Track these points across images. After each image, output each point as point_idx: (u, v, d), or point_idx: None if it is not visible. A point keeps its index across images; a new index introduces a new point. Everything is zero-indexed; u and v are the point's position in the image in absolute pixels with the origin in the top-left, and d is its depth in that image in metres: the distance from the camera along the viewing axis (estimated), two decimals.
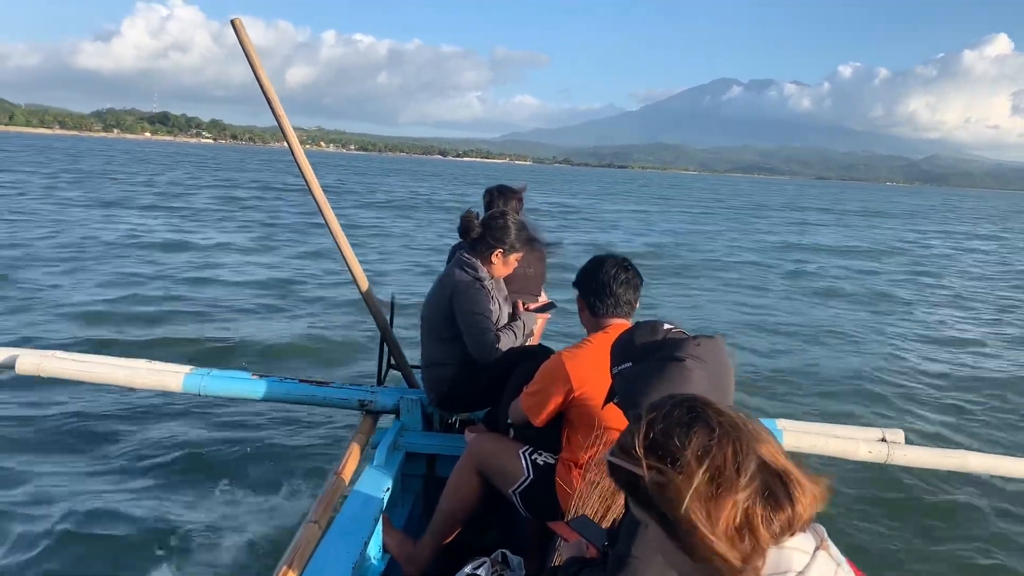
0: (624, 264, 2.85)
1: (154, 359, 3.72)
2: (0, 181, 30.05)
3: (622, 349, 2.18)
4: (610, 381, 2.22)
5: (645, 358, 2.08)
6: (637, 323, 2.24)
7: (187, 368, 3.66)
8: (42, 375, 3.52)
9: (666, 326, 2.17)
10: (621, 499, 2.50)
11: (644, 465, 1.10)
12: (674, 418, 1.13)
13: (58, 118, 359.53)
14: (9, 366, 3.53)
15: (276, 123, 3.41)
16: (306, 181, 3.49)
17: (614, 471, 1.17)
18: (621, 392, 2.14)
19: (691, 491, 1.05)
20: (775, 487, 1.07)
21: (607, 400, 2.24)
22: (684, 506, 1.05)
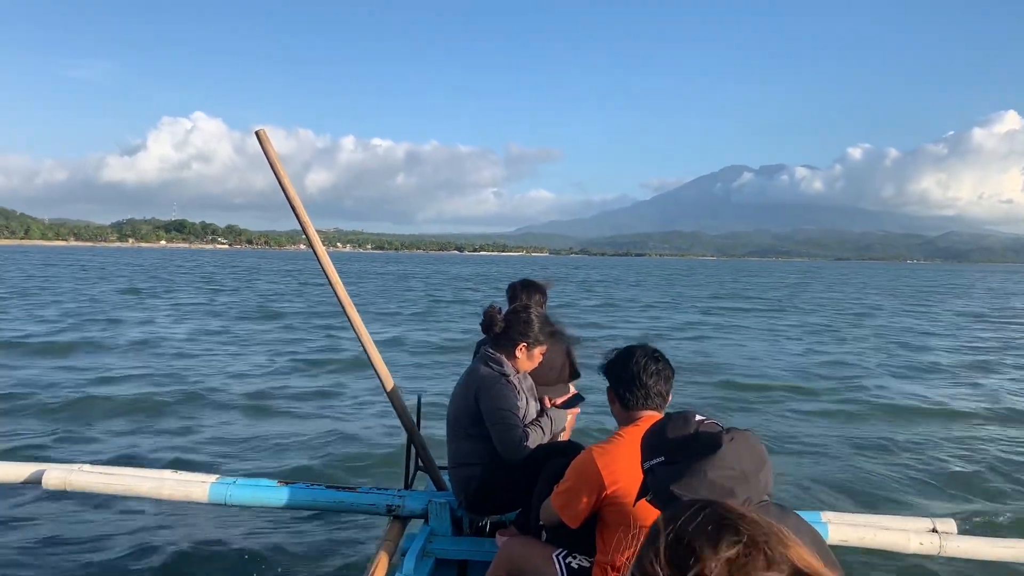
0: (655, 355, 2.80)
1: (179, 468, 3.67)
2: None
3: (653, 443, 2.10)
4: (642, 479, 2.14)
5: (677, 452, 2.01)
6: (668, 415, 2.17)
7: (212, 477, 3.61)
8: (69, 489, 3.48)
9: (698, 417, 2.10)
10: None
11: None
12: (698, 527, 1.06)
13: (74, 230, 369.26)
14: (36, 481, 3.50)
15: (299, 227, 3.46)
16: (329, 281, 3.53)
17: None
18: (654, 489, 2.06)
19: None
20: None
21: (639, 496, 2.15)
22: None
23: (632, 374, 2.75)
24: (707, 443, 1.97)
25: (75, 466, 3.60)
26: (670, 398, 2.83)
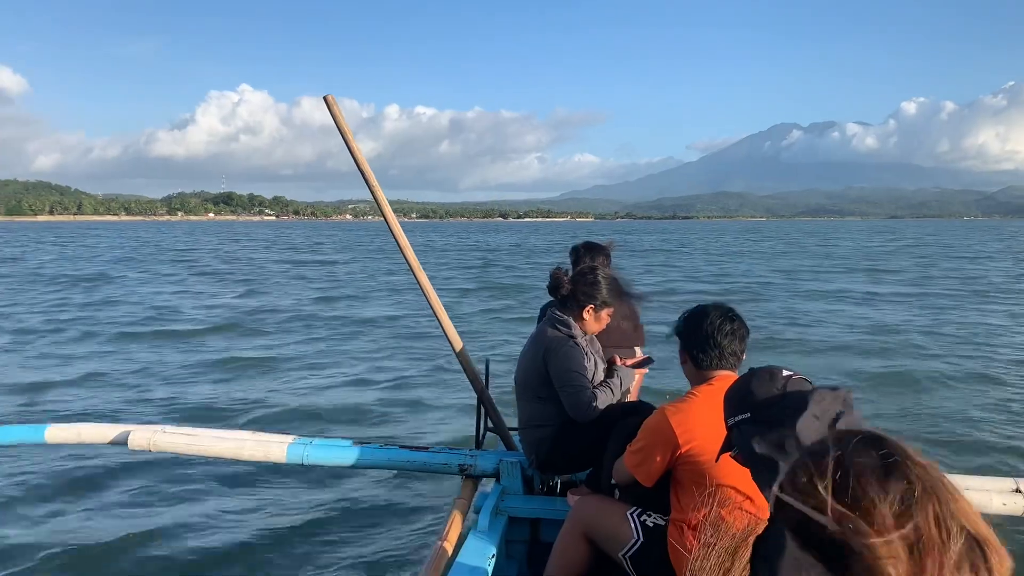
0: (729, 314, 2.76)
1: (258, 429, 3.78)
2: None
3: (739, 399, 2.08)
4: (719, 437, 2.13)
5: (764, 409, 1.99)
6: (752, 369, 2.13)
7: (290, 438, 3.70)
8: (153, 450, 3.61)
9: (785, 373, 2.06)
10: (740, 561, 2.38)
11: (830, 511, 0.95)
12: (867, 463, 0.99)
13: (125, 205, 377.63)
14: (122, 442, 3.63)
15: (369, 192, 3.49)
16: (399, 246, 3.55)
17: (782, 509, 1.03)
18: (741, 447, 2.05)
19: (889, 555, 0.92)
20: (976, 559, 0.93)
21: (721, 451, 2.14)
22: (878, 569, 0.92)
23: (706, 334, 2.72)
24: (796, 400, 1.94)
25: (158, 427, 3.73)
26: (744, 357, 2.80)
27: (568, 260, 4.44)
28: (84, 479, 6.12)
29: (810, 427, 1.85)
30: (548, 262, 31.72)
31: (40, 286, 23.25)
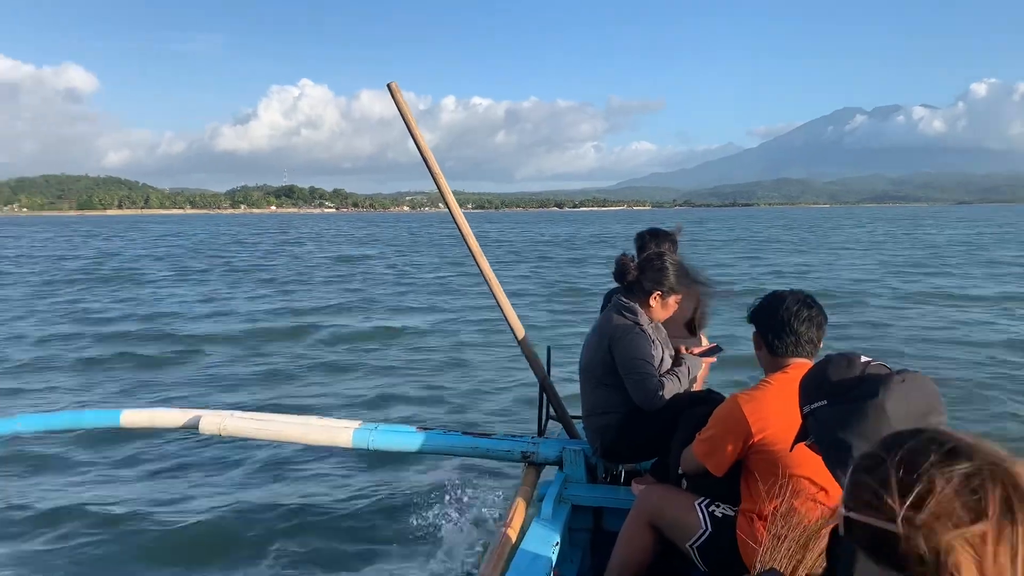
0: (806, 300, 2.67)
1: (324, 415, 3.84)
2: None
3: (815, 385, 2.00)
4: (794, 426, 2.06)
5: (842, 396, 1.91)
6: (830, 355, 2.05)
7: (356, 423, 3.75)
8: (223, 434, 3.69)
9: (863, 359, 1.98)
10: (812, 554, 2.31)
11: (900, 520, 0.92)
12: (926, 457, 0.96)
13: (190, 199, 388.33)
14: (193, 427, 3.73)
15: (432, 179, 3.49)
16: (462, 233, 3.55)
17: (853, 530, 1.00)
18: (817, 434, 1.97)
19: (963, 545, 0.89)
20: None
21: (796, 440, 2.07)
22: (954, 563, 0.89)
23: (782, 320, 2.64)
24: (876, 385, 1.87)
25: (228, 412, 3.82)
26: (821, 345, 2.71)
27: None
28: (153, 460, 6.36)
29: (886, 414, 1.78)
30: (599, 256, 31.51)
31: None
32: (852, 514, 1.00)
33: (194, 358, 10.93)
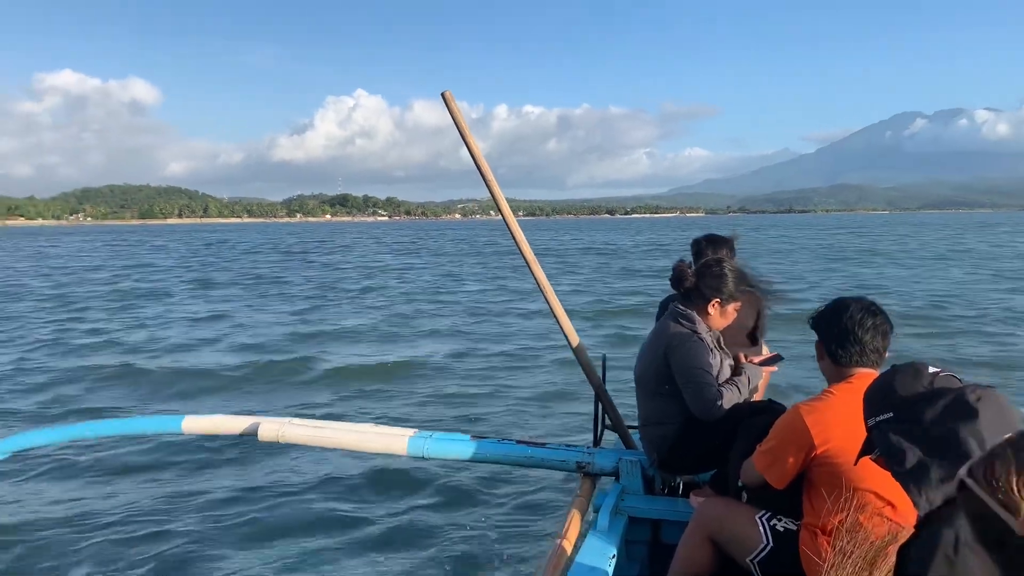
0: (871, 308, 2.59)
1: (380, 422, 3.86)
2: None
3: (880, 397, 1.93)
4: (858, 438, 1.99)
5: (909, 408, 1.83)
6: (895, 366, 1.98)
7: (411, 432, 3.76)
8: (281, 441, 3.75)
9: (932, 369, 1.90)
10: (879, 571, 2.23)
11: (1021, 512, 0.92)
12: None
13: (247, 207, 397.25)
14: (252, 433, 3.79)
15: (486, 187, 3.48)
16: (515, 241, 3.53)
17: (966, 495, 1.01)
18: (883, 448, 1.90)
19: None
20: None
21: (861, 454, 2.00)
22: None
23: (845, 329, 2.57)
24: (943, 397, 1.79)
25: (286, 420, 3.86)
26: (887, 355, 2.62)
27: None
28: (212, 463, 6.53)
29: (959, 428, 1.70)
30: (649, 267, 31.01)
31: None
32: (970, 481, 1.02)
33: (262, 369, 11.14)
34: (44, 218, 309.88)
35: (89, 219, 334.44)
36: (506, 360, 11.27)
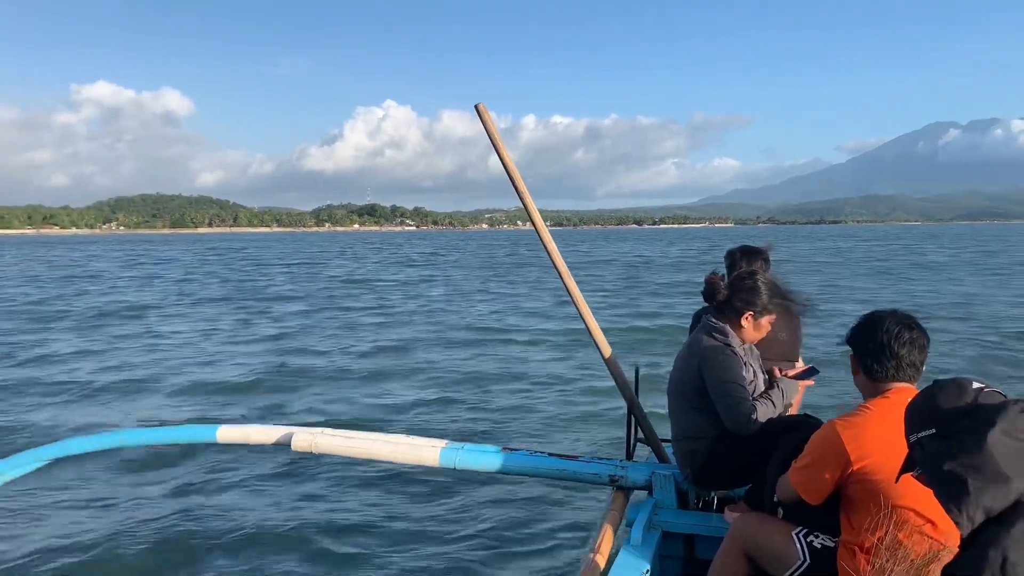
0: (907, 321, 2.56)
1: (412, 433, 3.87)
2: None
3: (923, 413, 1.89)
4: (895, 453, 1.96)
5: (952, 424, 1.80)
6: (937, 381, 1.94)
7: (442, 443, 3.77)
8: (314, 451, 3.77)
9: (975, 385, 1.86)
10: None
11: None
12: None
13: (277, 217, 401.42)
14: (285, 443, 3.82)
15: (518, 198, 3.49)
16: (547, 251, 3.54)
17: None
18: (925, 465, 1.86)
19: None
20: None
21: (903, 471, 1.96)
22: None
23: (881, 343, 2.53)
24: (991, 414, 1.75)
25: (319, 430, 3.89)
26: (923, 370, 2.58)
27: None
28: (247, 474, 6.58)
29: (1002, 445, 1.66)
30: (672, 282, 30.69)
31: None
32: None
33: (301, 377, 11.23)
34: (78, 227, 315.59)
35: (122, 228, 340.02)
36: (536, 371, 11.25)
